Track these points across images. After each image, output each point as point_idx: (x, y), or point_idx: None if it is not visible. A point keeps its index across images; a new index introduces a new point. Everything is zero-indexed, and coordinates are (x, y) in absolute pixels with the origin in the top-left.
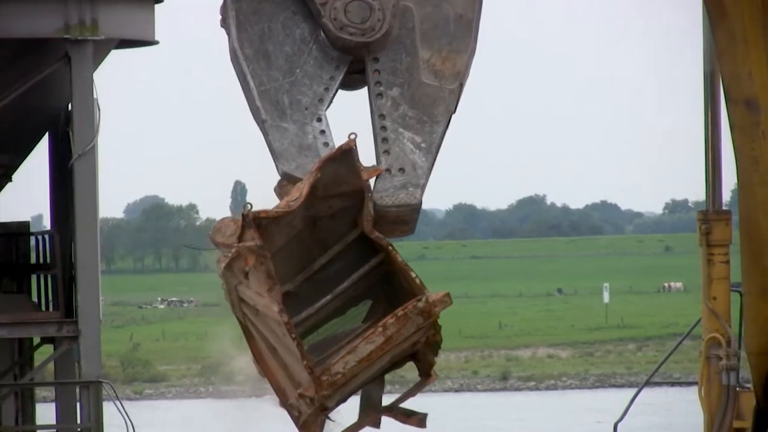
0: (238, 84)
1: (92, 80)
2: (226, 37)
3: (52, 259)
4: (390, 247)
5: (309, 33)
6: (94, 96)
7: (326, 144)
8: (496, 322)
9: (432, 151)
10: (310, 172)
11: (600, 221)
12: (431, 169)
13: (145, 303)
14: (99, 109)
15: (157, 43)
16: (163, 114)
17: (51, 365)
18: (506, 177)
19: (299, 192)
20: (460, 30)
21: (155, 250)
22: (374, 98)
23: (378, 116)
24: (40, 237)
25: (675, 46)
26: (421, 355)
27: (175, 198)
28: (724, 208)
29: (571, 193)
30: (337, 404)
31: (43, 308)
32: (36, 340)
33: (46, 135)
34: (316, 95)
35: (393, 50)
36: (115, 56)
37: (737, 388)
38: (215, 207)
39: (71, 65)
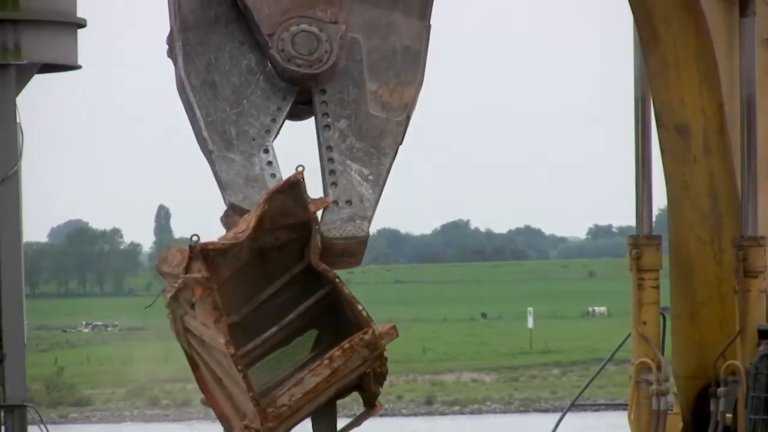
0: (185, 114)
1: (15, 104)
2: (173, 66)
3: None
4: (336, 279)
5: (256, 64)
6: (17, 120)
7: (273, 175)
8: (421, 347)
9: (380, 183)
10: (258, 205)
11: (524, 246)
12: (378, 201)
13: (69, 327)
14: (22, 134)
15: (79, 67)
16: (87, 138)
17: None
18: (430, 202)
19: (246, 224)
20: (408, 62)
21: (79, 274)
22: (321, 130)
23: (325, 148)
24: None
25: (606, 68)
26: (366, 385)
27: (98, 222)
28: (653, 233)
29: (495, 218)
30: None
31: None
32: None
33: None
34: (263, 126)
35: (340, 82)
36: (38, 80)
37: (666, 408)
38: (139, 231)
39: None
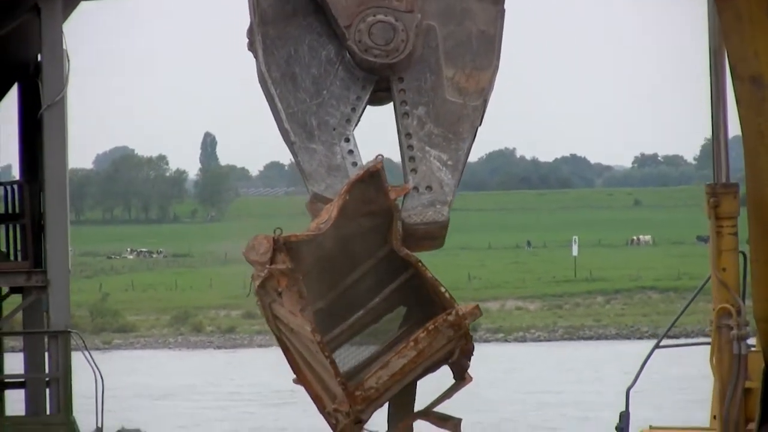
0: (266, 105)
1: (62, 31)
2: (254, 60)
3: (21, 209)
4: (419, 264)
5: (335, 54)
6: (64, 47)
7: (354, 164)
8: (466, 274)
9: (458, 168)
10: (339, 194)
11: (569, 174)
12: (458, 186)
13: (114, 253)
14: (68, 60)
15: None
16: (133, 66)
17: (19, 315)
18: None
19: (328, 214)
20: (483, 47)
21: (125, 200)
22: (400, 117)
23: (404, 135)
24: (9, 187)
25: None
26: (455, 359)
27: (144, 149)
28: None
29: (541, 146)
30: (373, 413)
31: (12, 258)
32: (4, 290)
33: (16, 86)
34: (344, 116)
35: (417, 70)
36: (85, 8)
37: (747, 352)
38: (185, 158)
39: (41, 17)
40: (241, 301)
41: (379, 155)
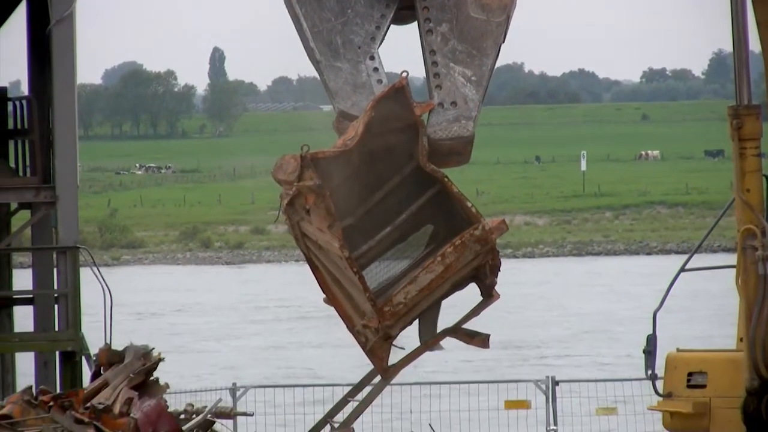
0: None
1: None
2: None
3: (29, 124)
4: (445, 179)
5: None
6: None
7: (380, 81)
8: (474, 189)
9: (483, 84)
10: (365, 111)
11: (578, 89)
12: (482, 101)
13: (122, 169)
14: None
15: None
16: None
17: (28, 231)
18: None
19: (355, 131)
20: None
21: (133, 116)
22: (424, 35)
23: (429, 52)
24: (18, 102)
25: None
26: (482, 276)
27: (153, 64)
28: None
29: (549, 61)
30: (402, 329)
31: (21, 174)
32: (13, 206)
33: (24, 1)
34: (368, 34)
35: None
36: None
37: None
38: (193, 73)
39: None
40: (249, 217)
41: (404, 71)
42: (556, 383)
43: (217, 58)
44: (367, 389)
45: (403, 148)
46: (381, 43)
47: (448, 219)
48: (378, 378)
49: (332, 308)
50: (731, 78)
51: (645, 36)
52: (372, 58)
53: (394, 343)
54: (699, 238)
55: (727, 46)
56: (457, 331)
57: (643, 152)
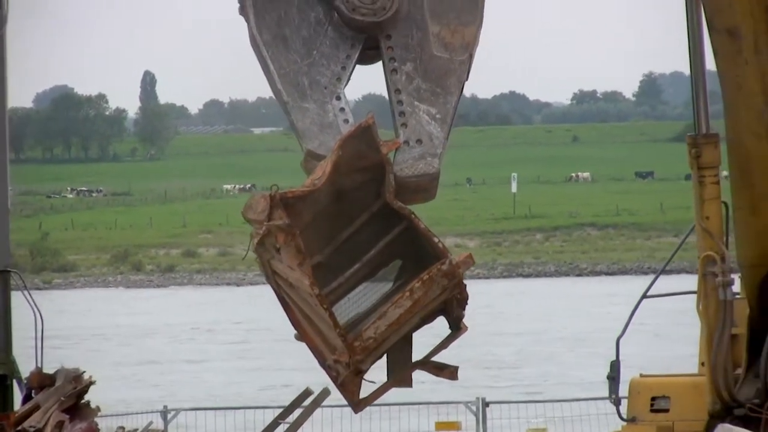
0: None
1: None
2: (245, 24)
3: None
4: (412, 215)
5: (323, 15)
6: None
7: (346, 121)
8: None
9: (447, 121)
10: (333, 150)
11: (508, 111)
12: (447, 138)
13: (54, 192)
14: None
15: None
16: (73, 3)
17: None
18: None
19: (323, 170)
20: (467, 3)
21: (65, 139)
22: (389, 74)
23: (394, 91)
24: None
25: None
26: (450, 309)
27: (84, 87)
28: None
29: (480, 83)
30: (372, 363)
31: None
32: None
33: None
34: (334, 74)
35: (404, 27)
36: None
37: (732, 298)
38: (125, 97)
39: None
40: (180, 240)
41: (370, 111)
42: (486, 404)
43: (149, 81)
44: (297, 412)
45: (371, 186)
46: (347, 83)
47: (415, 254)
48: (308, 401)
49: (303, 343)
50: (661, 100)
51: (575, 58)
52: (338, 98)
53: (364, 377)
54: (629, 260)
55: (657, 68)
56: (426, 363)
57: (574, 174)
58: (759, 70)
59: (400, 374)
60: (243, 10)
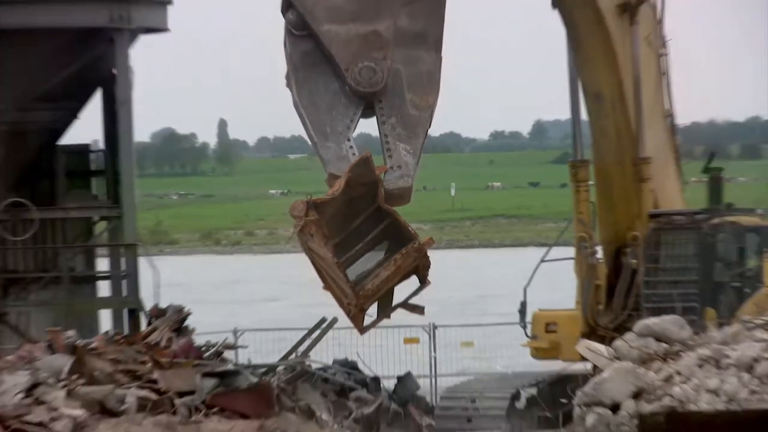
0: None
1: (128, 54)
2: (289, 93)
3: (105, 167)
4: (395, 213)
5: (339, 87)
6: (130, 64)
7: (354, 154)
8: None
9: (417, 154)
10: (345, 173)
11: (449, 144)
12: (416, 166)
13: (164, 195)
14: (133, 73)
15: (168, 30)
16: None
17: (105, 233)
18: None
19: (339, 185)
20: (430, 80)
21: (170, 162)
22: (380, 125)
23: (383, 135)
24: (97, 153)
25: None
26: (419, 271)
27: (182, 128)
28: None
29: (433, 125)
30: (371, 305)
31: (100, 198)
32: (96, 218)
33: (100, 90)
34: (346, 125)
35: (390, 95)
36: (143, 39)
37: (595, 262)
38: (207, 134)
39: (115, 44)
40: (244, 225)
41: (366, 149)
42: (435, 327)
43: (222, 125)
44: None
45: (369, 195)
46: (354, 131)
47: (397, 237)
48: (327, 323)
49: (328, 292)
50: (546, 137)
51: (492, 108)
52: (348, 140)
53: (367, 313)
54: (525, 238)
55: (544, 117)
56: (404, 305)
57: (490, 184)
58: (615, 123)
59: (385, 311)
60: (288, 84)
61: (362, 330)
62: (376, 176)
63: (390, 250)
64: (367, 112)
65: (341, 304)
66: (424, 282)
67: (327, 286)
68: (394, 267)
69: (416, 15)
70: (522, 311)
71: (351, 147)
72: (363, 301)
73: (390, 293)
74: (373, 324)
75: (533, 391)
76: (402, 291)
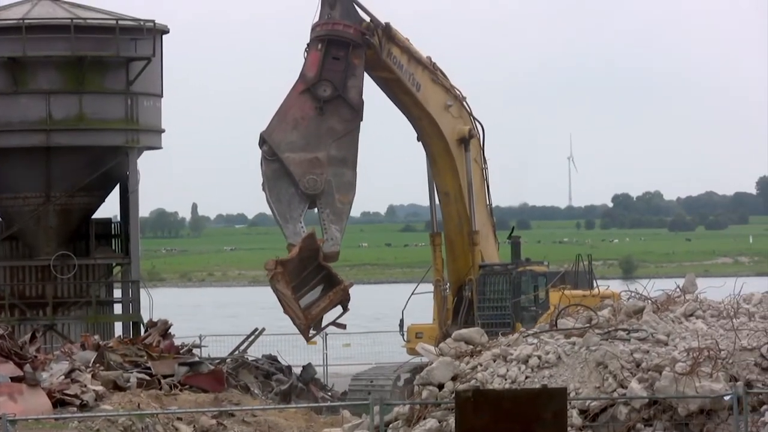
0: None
1: (137, 163)
2: (262, 193)
3: (120, 232)
4: (329, 266)
5: (295, 191)
6: (138, 169)
7: (304, 232)
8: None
9: (342, 231)
10: (299, 244)
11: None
12: (341, 238)
13: (156, 250)
14: (139, 173)
15: (161, 148)
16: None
17: (119, 274)
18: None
19: (295, 251)
20: (349, 187)
21: (161, 229)
22: (320, 213)
23: (322, 220)
24: (116, 224)
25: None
26: (343, 302)
27: (169, 208)
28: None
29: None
30: (313, 323)
31: (117, 252)
32: (114, 264)
33: (118, 184)
34: (299, 213)
35: (326, 196)
36: (147, 154)
37: (446, 295)
38: (184, 213)
39: (129, 157)
40: (208, 268)
41: (312, 228)
42: (327, 334)
43: (194, 207)
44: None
45: (313, 256)
46: (303, 216)
47: (330, 281)
48: (258, 331)
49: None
50: (397, 215)
51: (390, 180)
52: (301, 223)
53: (312, 331)
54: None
55: (395, 201)
56: (333, 323)
57: (360, 243)
58: (457, 210)
59: (321, 328)
60: (263, 188)
61: (308, 340)
62: (317, 245)
63: (325, 289)
64: (312, 206)
65: (295, 323)
66: (345, 309)
67: (285, 311)
68: (328, 300)
69: (341, 146)
70: (401, 325)
71: (302, 227)
72: (309, 321)
73: (323, 315)
74: (315, 335)
75: (407, 375)
76: (331, 314)
